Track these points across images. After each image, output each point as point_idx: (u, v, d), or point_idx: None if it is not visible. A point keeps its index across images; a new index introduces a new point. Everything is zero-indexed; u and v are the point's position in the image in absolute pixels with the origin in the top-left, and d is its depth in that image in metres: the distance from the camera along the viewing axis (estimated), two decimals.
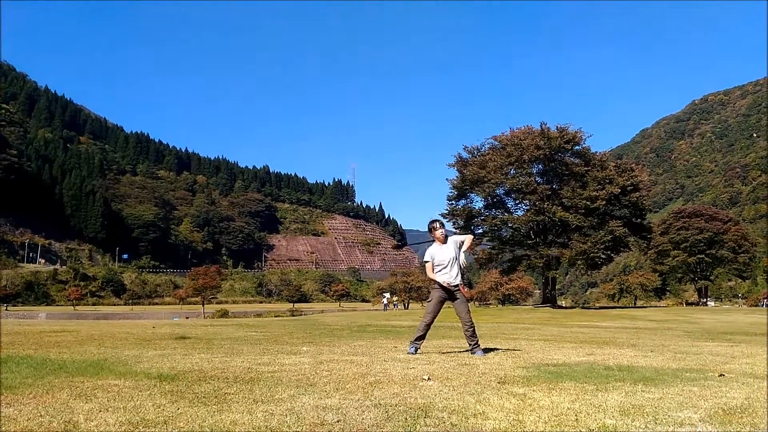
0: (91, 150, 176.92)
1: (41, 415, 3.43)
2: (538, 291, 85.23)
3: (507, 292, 76.35)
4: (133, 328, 14.41)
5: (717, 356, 7.66)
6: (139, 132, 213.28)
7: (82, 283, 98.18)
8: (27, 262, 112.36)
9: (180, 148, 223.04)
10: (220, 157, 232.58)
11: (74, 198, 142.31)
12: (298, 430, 3.19)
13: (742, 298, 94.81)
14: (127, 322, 27.19)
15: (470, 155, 50.08)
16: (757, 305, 72.65)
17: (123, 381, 4.80)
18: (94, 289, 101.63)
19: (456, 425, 3.31)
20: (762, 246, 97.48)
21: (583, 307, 58.09)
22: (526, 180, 46.29)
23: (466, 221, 50.29)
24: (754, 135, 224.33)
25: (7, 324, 16.10)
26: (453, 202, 51.13)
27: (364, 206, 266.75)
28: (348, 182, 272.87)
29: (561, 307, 53.43)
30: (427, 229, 7.60)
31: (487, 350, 7.69)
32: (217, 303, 75.42)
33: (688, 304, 76.02)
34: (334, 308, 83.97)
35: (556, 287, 57.32)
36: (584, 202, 43.90)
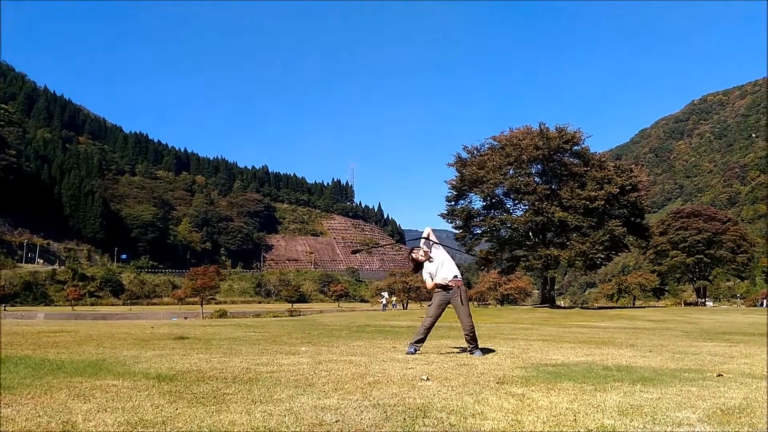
0: (90, 150, 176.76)
1: (39, 416, 3.43)
2: (537, 291, 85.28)
3: (506, 293, 76.36)
4: (132, 328, 14.39)
5: (715, 356, 7.67)
6: (138, 132, 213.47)
7: (80, 284, 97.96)
8: (25, 262, 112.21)
9: (179, 148, 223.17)
10: (219, 157, 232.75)
11: (73, 198, 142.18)
12: (296, 430, 3.19)
13: (740, 299, 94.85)
14: (126, 322, 27.17)
15: (470, 155, 50.13)
16: (755, 305, 72.66)
17: (121, 381, 4.80)
18: (92, 290, 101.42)
19: (454, 425, 3.31)
20: (760, 246, 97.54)
21: (581, 308, 58.11)
22: (525, 180, 46.32)
23: (464, 221, 50.34)
24: (753, 135, 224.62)
25: (6, 324, 16.08)
26: (452, 202, 51.17)
27: (363, 206, 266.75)
28: (347, 182, 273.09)
29: (559, 307, 53.45)
30: (411, 254, 7.62)
31: (485, 351, 7.69)
32: (215, 303, 75.22)
33: (686, 304, 76.04)
34: (333, 308, 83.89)
35: (555, 287, 57.35)
36: (583, 202, 43.94)
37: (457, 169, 49.89)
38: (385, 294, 67.15)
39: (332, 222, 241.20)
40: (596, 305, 75.85)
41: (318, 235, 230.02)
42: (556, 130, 46.14)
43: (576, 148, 46.94)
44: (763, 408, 3.94)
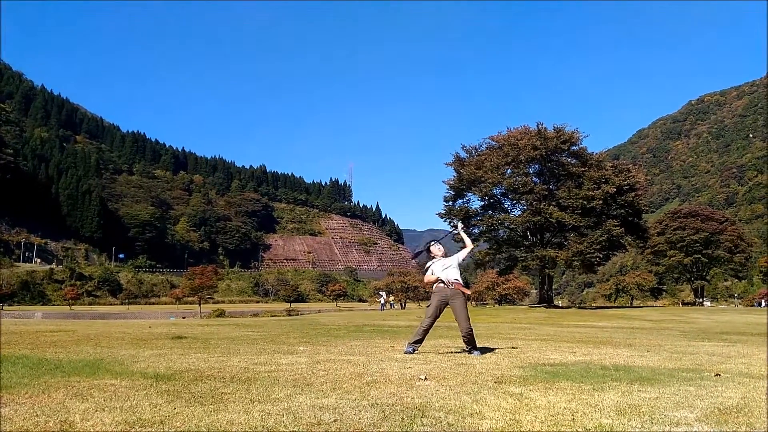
0: (88, 149, 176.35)
1: (37, 415, 3.42)
2: (535, 291, 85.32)
3: (504, 292, 76.36)
4: (130, 327, 14.38)
5: (713, 356, 7.68)
6: (135, 131, 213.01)
7: (78, 283, 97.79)
8: (23, 262, 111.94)
9: (176, 148, 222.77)
10: (217, 157, 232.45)
11: (70, 197, 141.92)
12: (295, 429, 3.18)
13: (738, 298, 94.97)
14: (124, 321, 27.12)
15: (468, 155, 50.12)
16: (752, 305, 72.78)
17: (119, 381, 4.79)
18: (90, 289, 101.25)
19: (453, 425, 3.31)
20: (758, 246, 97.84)
21: (579, 307, 58.14)
22: (523, 180, 46.31)
23: (463, 221, 50.28)
24: (751, 136, 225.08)
25: (3, 323, 16.04)
26: (450, 202, 51.15)
27: (361, 206, 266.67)
28: (345, 182, 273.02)
29: (557, 307, 53.48)
30: (427, 250, 7.69)
31: (484, 350, 7.70)
32: (213, 303, 75.23)
33: (684, 304, 76.10)
34: (331, 308, 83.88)
35: (553, 287, 57.35)
36: (580, 201, 43.93)
37: (455, 169, 49.87)
38: (383, 294, 67.15)
39: (330, 221, 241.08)
40: (594, 305, 75.87)
41: (316, 235, 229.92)
42: (554, 130, 46.13)
43: (574, 148, 46.93)
44: (761, 407, 3.94)
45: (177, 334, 10.81)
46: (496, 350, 8.02)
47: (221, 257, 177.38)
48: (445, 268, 7.35)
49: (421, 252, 7.80)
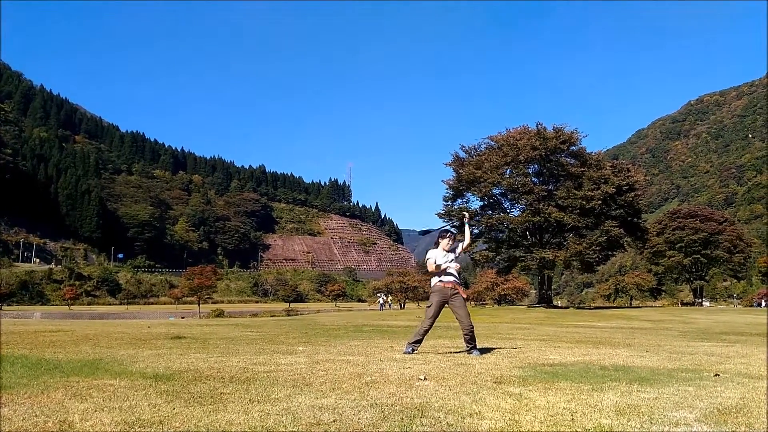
0: (87, 149, 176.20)
1: (36, 415, 3.42)
2: (534, 291, 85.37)
3: (503, 293, 76.37)
4: (129, 327, 14.37)
5: (712, 356, 7.68)
6: (134, 131, 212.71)
7: (77, 283, 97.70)
8: (22, 262, 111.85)
9: (175, 148, 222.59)
10: (216, 157, 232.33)
11: (69, 197, 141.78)
12: (294, 430, 3.18)
13: (737, 299, 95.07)
14: (123, 321, 27.11)
15: (467, 155, 50.13)
16: (752, 305, 72.84)
17: (118, 381, 4.79)
18: (89, 289, 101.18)
19: (452, 425, 3.31)
20: (757, 246, 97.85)
21: (578, 307, 58.16)
22: (522, 180, 46.33)
23: (462, 221, 50.30)
24: (750, 136, 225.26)
25: (3, 324, 16.03)
26: (449, 202, 51.16)
27: (361, 206, 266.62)
28: (344, 182, 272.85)
29: (556, 307, 53.52)
30: (438, 235, 7.61)
31: (483, 350, 7.70)
32: (212, 303, 75.04)
33: (683, 304, 76.20)
34: (330, 308, 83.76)
35: (552, 287, 57.37)
36: (579, 201, 43.95)
37: (454, 169, 49.89)
38: (381, 295, 67.17)
39: (329, 222, 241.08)
40: (593, 305, 75.93)
41: (315, 235, 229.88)
42: (554, 130, 46.17)
43: (573, 148, 46.97)
44: (761, 408, 3.95)
45: (176, 334, 10.81)
46: (496, 350, 8.02)
47: (220, 257, 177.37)
48: (447, 262, 7.35)
49: (431, 232, 7.73)
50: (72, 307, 77.98)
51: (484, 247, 52.43)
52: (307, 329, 13.91)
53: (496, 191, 48.82)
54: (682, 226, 75.98)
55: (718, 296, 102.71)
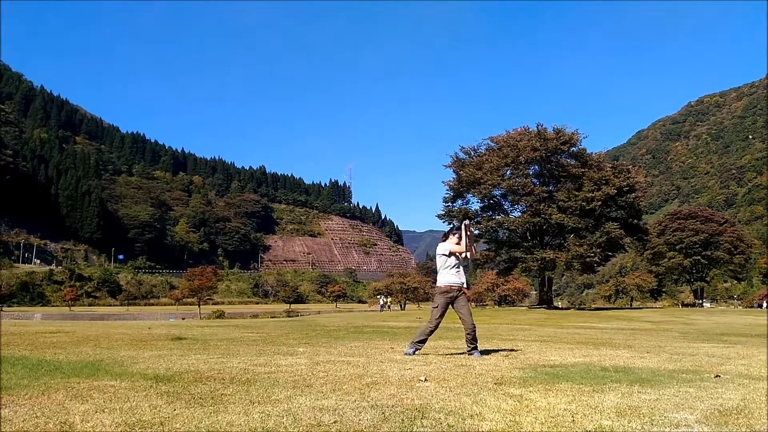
0: (87, 150, 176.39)
1: (37, 416, 3.42)
2: (535, 292, 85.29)
3: (503, 293, 76.34)
4: (129, 328, 14.37)
5: (713, 357, 7.68)
6: (135, 132, 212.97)
7: (77, 284, 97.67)
8: (22, 263, 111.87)
9: (176, 149, 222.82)
10: (217, 158, 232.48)
11: (70, 198, 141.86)
12: (294, 431, 3.19)
13: (737, 300, 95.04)
14: (123, 322, 27.11)
15: (467, 156, 50.07)
16: (752, 307, 72.79)
17: (119, 382, 4.79)
18: (89, 290, 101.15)
19: (452, 426, 3.31)
20: (758, 247, 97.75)
21: (578, 308, 58.12)
22: (523, 181, 46.26)
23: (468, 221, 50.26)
24: (750, 137, 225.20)
25: (3, 325, 16.04)
26: (449, 203, 51.11)
27: (361, 207, 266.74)
28: (344, 183, 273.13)
29: (557, 308, 53.48)
30: (449, 231, 7.73)
31: (484, 352, 7.70)
32: (213, 304, 75.16)
33: (683, 305, 76.08)
34: (331, 309, 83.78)
35: (553, 288, 57.30)
36: (580, 203, 43.90)
37: (454, 170, 49.81)
38: (382, 297, 67.20)
39: (330, 223, 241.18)
40: (593, 306, 75.84)
41: (315, 236, 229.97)
42: (554, 131, 46.09)
43: (573, 149, 46.91)
44: (761, 409, 3.95)
45: (177, 335, 10.81)
46: (496, 352, 8.02)
47: (221, 258, 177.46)
48: (451, 267, 7.42)
49: (455, 228, 7.80)
50: (72, 308, 77.99)
51: (485, 248, 52.39)
52: (307, 330, 13.91)
53: (496, 192, 48.76)
54: (683, 227, 75.95)
55: (718, 297, 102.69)
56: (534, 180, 47.99)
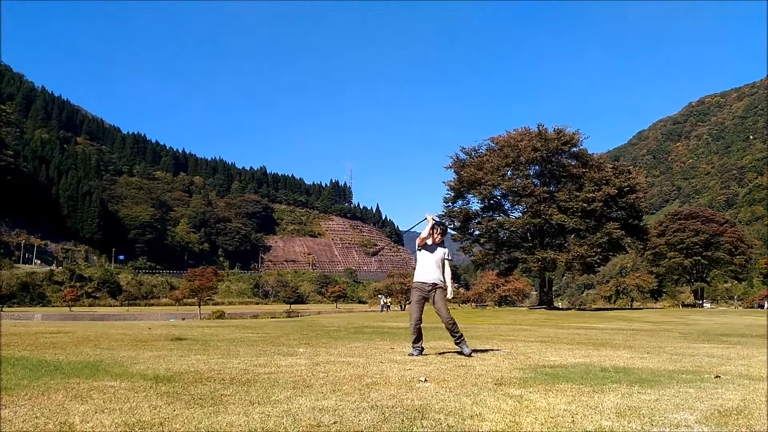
0: (88, 151, 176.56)
1: (37, 417, 3.42)
2: (535, 292, 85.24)
3: (504, 294, 76.36)
4: (129, 329, 14.36)
5: (713, 358, 7.67)
6: (135, 133, 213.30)
7: (78, 284, 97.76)
8: (23, 263, 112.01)
9: (177, 149, 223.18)
10: (217, 158, 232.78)
11: (71, 199, 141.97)
12: (294, 431, 3.19)
13: (738, 300, 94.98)
14: (123, 323, 27.10)
15: (467, 156, 50.05)
16: (752, 307, 72.76)
17: (119, 382, 4.79)
18: (90, 290, 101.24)
19: (452, 427, 3.31)
20: (758, 248, 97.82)
21: (579, 309, 58.11)
22: (523, 182, 46.22)
23: (462, 223, 50.28)
24: (751, 137, 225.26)
25: (3, 325, 16.03)
26: (450, 203, 51.09)
27: (361, 207, 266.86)
28: (345, 183, 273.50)
29: (557, 308, 53.43)
30: (430, 226, 7.70)
31: (484, 351, 7.69)
32: (213, 304, 75.16)
33: (684, 305, 76.07)
34: (331, 309, 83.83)
35: (553, 289, 57.26)
36: (581, 203, 43.87)
37: (455, 171, 49.78)
38: (382, 297, 67.16)
39: (330, 223, 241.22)
40: (594, 307, 75.83)
41: (316, 236, 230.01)
42: (555, 131, 46.06)
43: (574, 149, 46.88)
44: (761, 409, 3.94)
45: (177, 336, 10.80)
46: (497, 352, 8.01)
47: (221, 259, 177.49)
48: (426, 264, 7.46)
49: (423, 222, 7.85)
50: (73, 308, 78.07)
51: (485, 249, 52.39)
52: (307, 331, 13.90)
53: (497, 193, 48.71)
54: (683, 227, 75.94)
55: (719, 298, 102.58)
56: (535, 180, 47.93)
